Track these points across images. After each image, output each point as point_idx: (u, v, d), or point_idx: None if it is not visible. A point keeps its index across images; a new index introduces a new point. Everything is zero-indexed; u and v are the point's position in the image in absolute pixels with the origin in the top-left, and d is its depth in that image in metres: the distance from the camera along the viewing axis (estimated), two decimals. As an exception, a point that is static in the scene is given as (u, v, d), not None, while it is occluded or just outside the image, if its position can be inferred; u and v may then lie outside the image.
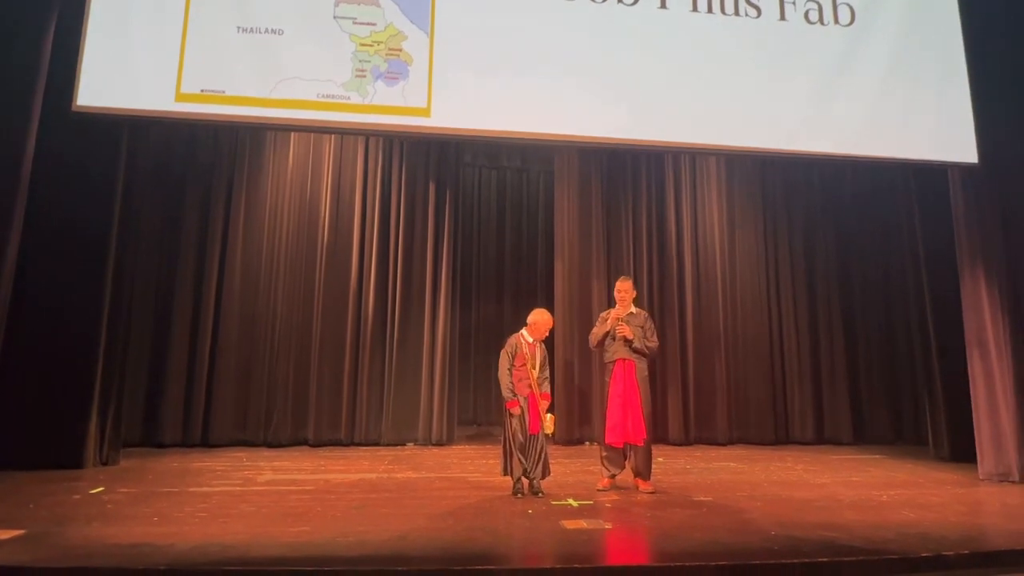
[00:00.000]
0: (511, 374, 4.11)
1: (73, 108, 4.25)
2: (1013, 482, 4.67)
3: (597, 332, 4.47)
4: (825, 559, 2.73)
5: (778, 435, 7.10)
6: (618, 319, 4.38)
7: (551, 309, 7.02)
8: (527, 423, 4.05)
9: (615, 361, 4.37)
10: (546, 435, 4.09)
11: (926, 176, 5.80)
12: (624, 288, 4.51)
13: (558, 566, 2.64)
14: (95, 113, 4.30)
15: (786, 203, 7.70)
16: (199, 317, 6.35)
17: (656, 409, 6.87)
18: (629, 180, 7.46)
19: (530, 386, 4.09)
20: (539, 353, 4.20)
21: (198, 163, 6.60)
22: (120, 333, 5.06)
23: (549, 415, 4.10)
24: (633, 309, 4.49)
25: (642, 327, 4.42)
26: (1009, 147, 5.07)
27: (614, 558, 2.98)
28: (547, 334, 4.27)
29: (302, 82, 4.42)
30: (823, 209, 7.71)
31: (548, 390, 4.19)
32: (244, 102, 4.37)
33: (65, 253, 4.76)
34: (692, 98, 4.81)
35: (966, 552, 2.83)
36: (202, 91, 4.33)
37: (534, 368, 4.12)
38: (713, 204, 7.56)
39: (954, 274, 5.29)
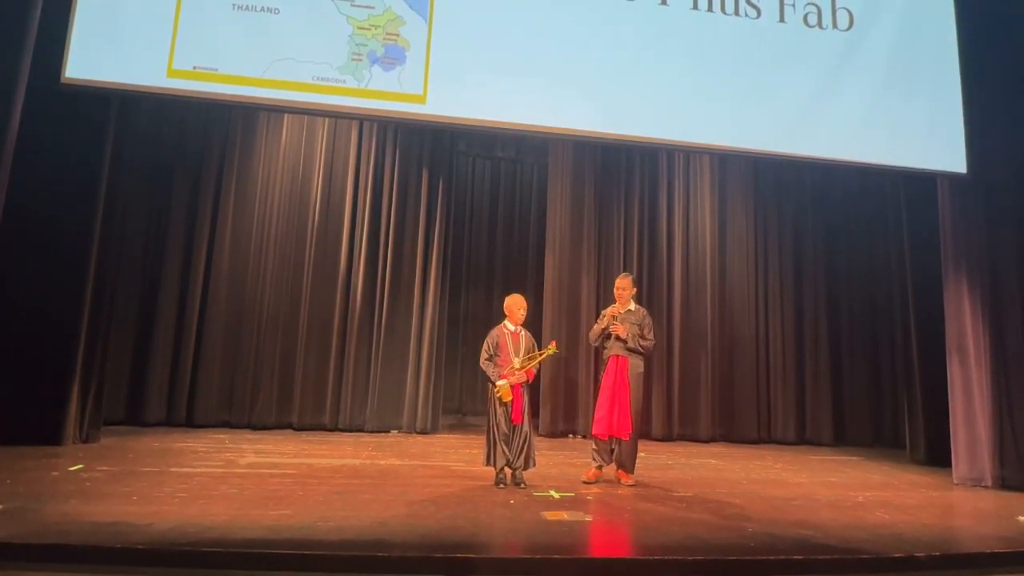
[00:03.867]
0: (492, 363, 4.12)
1: (62, 80, 4.16)
2: (986, 487, 4.77)
3: (595, 330, 4.52)
4: (800, 556, 2.77)
5: (760, 434, 7.20)
6: (614, 317, 4.41)
7: (540, 302, 7.11)
8: (511, 413, 4.06)
9: (609, 357, 4.42)
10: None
11: (915, 184, 5.87)
12: (623, 285, 4.54)
13: (538, 556, 2.67)
14: (84, 86, 4.21)
15: (777, 205, 7.76)
16: (186, 297, 6.31)
17: (641, 404, 6.93)
18: (623, 175, 7.47)
19: (513, 374, 4.08)
20: (523, 341, 4.20)
21: (188, 144, 6.52)
22: (104, 311, 5.01)
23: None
24: (632, 306, 4.52)
25: (639, 325, 4.44)
26: (998, 159, 5.13)
27: (593, 550, 3.01)
28: (523, 315, 4.25)
29: (297, 63, 4.36)
30: (813, 212, 7.79)
31: (533, 368, 4.16)
32: (237, 81, 4.30)
33: (49, 231, 4.69)
34: (688, 96, 4.82)
35: (937, 554, 2.89)
36: (195, 68, 4.26)
37: (517, 356, 4.12)
38: (705, 203, 7.59)
39: (938, 281, 5.37)
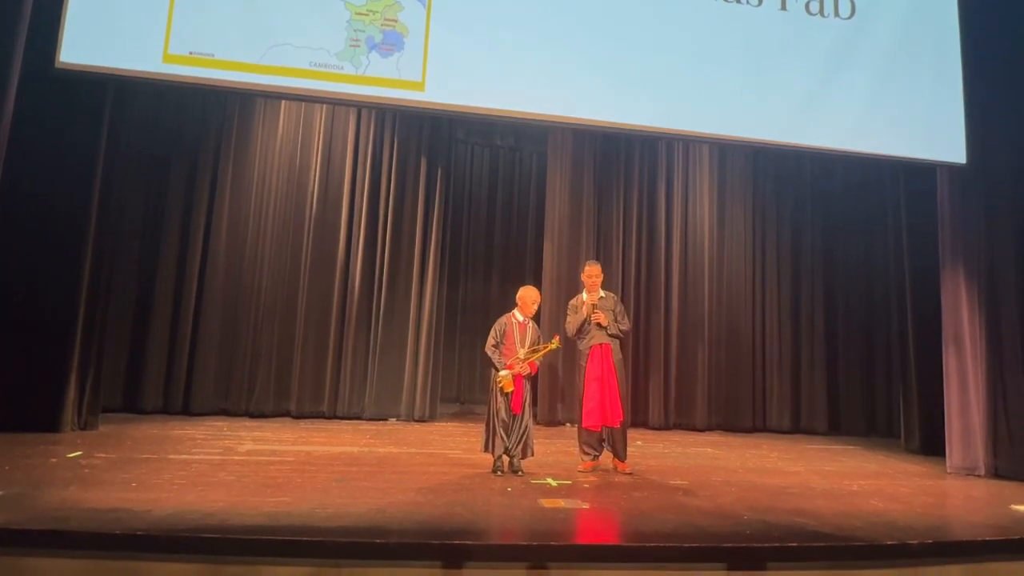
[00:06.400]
0: (497, 351, 4.13)
1: (56, 65, 4.12)
2: (979, 476, 4.81)
3: (574, 322, 4.48)
4: (795, 544, 2.79)
5: (755, 423, 7.24)
6: (593, 306, 4.40)
7: (539, 290, 7.08)
8: (511, 402, 4.07)
9: (592, 346, 4.40)
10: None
11: (914, 177, 5.86)
12: (596, 272, 4.52)
13: (535, 543, 2.68)
14: (79, 71, 4.17)
15: (776, 195, 7.75)
16: (183, 285, 6.29)
17: (637, 393, 6.97)
18: (622, 164, 7.45)
19: (517, 364, 4.09)
20: (530, 332, 4.21)
21: (185, 131, 6.47)
22: (101, 298, 4.99)
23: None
24: (602, 292, 4.51)
25: (613, 310, 4.46)
26: (997, 149, 5.11)
27: (590, 537, 3.03)
28: (535, 309, 4.27)
29: (294, 49, 4.32)
30: (812, 202, 7.78)
31: (536, 362, 4.18)
32: (234, 67, 4.26)
33: (45, 218, 4.67)
34: (688, 84, 4.79)
35: (930, 541, 2.91)
36: (191, 53, 4.22)
37: (522, 347, 4.13)
38: (704, 192, 7.58)
39: (935, 273, 5.38)
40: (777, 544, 2.78)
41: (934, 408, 5.41)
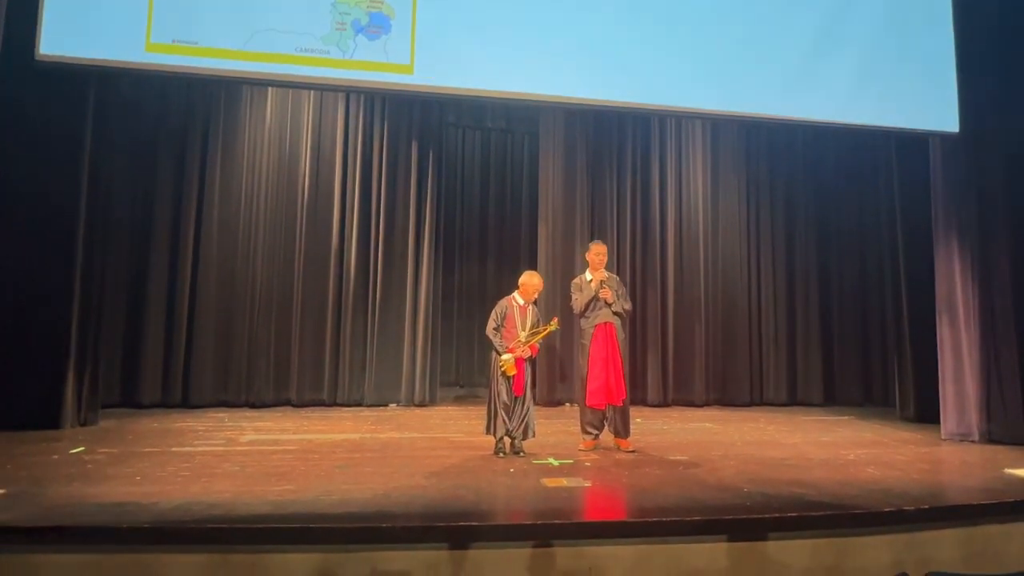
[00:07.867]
0: (498, 334, 4.15)
1: (36, 57, 4.03)
2: (973, 442, 4.88)
3: (581, 299, 4.47)
4: (795, 514, 2.84)
5: (753, 397, 7.30)
6: (601, 282, 4.42)
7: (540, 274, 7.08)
8: (513, 385, 4.09)
9: (596, 325, 4.41)
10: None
11: (906, 148, 5.85)
12: (602, 252, 4.54)
13: (539, 522, 2.72)
14: (59, 63, 4.09)
15: (769, 171, 7.73)
16: (176, 277, 6.24)
17: (635, 371, 7.00)
18: (614, 143, 7.40)
19: (519, 347, 4.11)
20: (530, 315, 4.23)
21: (171, 120, 6.37)
22: (94, 293, 4.97)
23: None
24: (605, 273, 4.53)
25: (616, 291, 4.48)
26: (989, 118, 5.10)
27: (593, 514, 3.08)
28: (536, 295, 4.31)
29: (279, 34, 4.24)
30: (805, 177, 7.76)
31: (536, 344, 4.21)
32: (218, 54, 4.18)
33: (34, 213, 4.61)
34: (679, 59, 4.74)
35: (926, 507, 2.97)
36: (174, 42, 4.13)
37: (523, 330, 4.15)
38: (697, 170, 7.55)
39: (929, 242, 5.39)
40: (777, 515, 2.83)
41: (929, 377, 5.46)
